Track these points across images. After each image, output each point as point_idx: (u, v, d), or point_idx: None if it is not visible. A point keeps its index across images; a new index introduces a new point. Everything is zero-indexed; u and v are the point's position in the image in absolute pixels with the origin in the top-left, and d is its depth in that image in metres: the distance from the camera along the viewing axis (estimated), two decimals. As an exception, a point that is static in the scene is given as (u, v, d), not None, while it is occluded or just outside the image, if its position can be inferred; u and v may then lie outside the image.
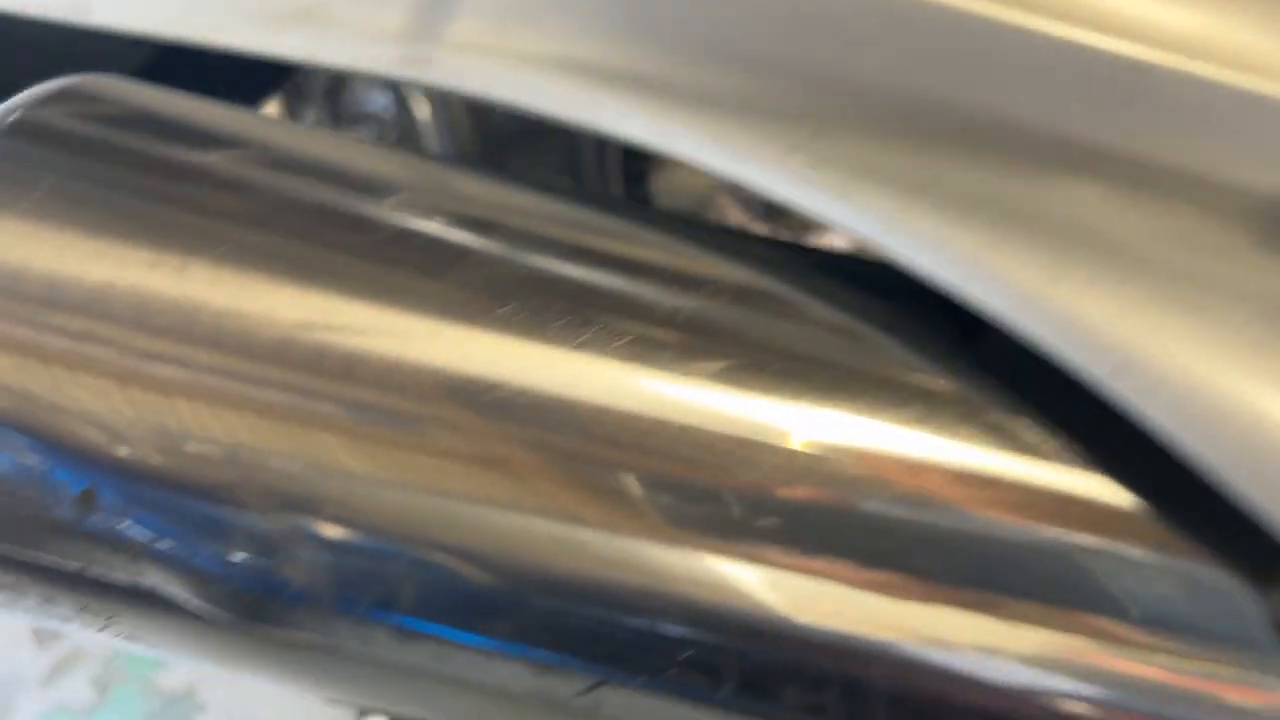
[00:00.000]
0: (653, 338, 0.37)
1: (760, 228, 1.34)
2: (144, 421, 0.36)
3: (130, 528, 0.37)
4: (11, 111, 0.41)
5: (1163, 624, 0.34)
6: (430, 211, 0.40)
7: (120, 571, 0.38)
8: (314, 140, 0.44)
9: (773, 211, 1.32)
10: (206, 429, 0.36)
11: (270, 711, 2.05)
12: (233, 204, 0.39)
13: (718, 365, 0.37)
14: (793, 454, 0.35)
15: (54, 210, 0.38)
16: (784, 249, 0.44)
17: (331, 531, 0.36)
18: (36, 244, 0.37)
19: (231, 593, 0.37)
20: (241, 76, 0.57)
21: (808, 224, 1.32)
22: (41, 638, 2.29)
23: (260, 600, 0.37)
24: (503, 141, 1.34)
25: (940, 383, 0.37)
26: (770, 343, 0.38)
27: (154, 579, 0.38)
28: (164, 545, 0.37)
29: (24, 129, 0.40)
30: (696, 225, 0.44)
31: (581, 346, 0.37)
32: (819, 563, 0.35)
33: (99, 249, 0.37)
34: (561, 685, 0.36)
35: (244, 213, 0.39)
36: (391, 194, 0.40)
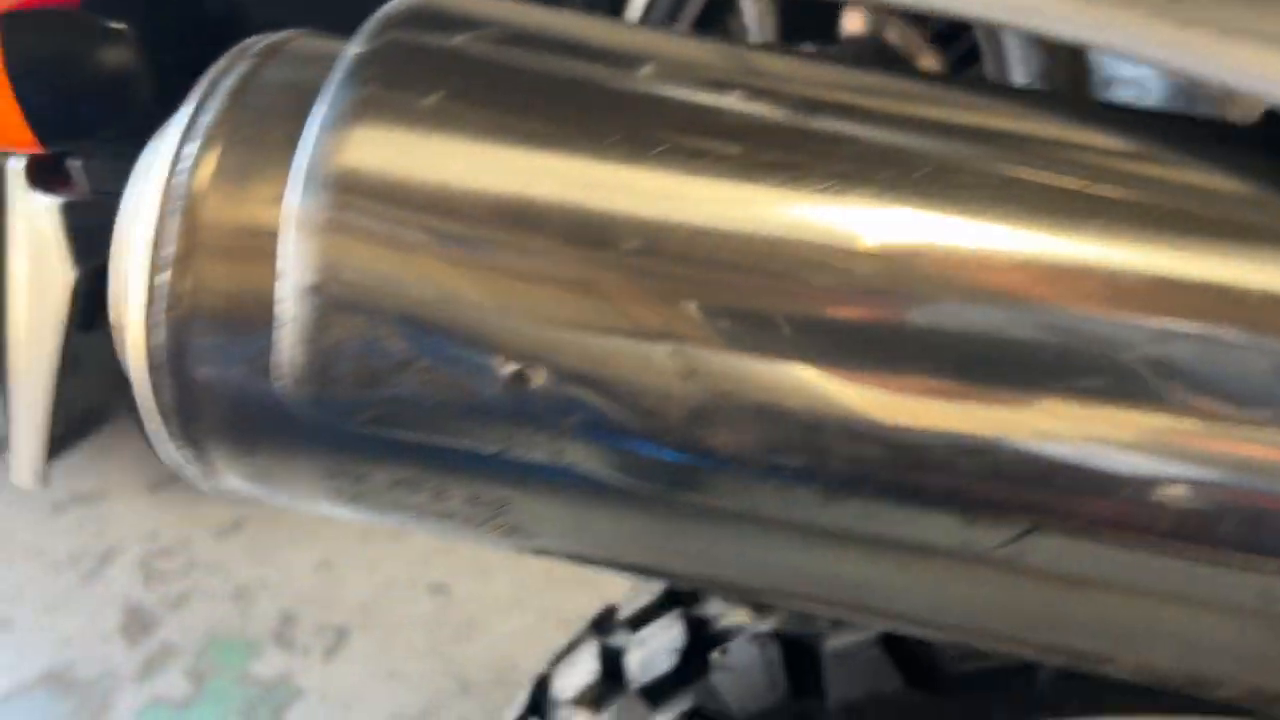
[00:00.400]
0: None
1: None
2: (570, 306, 0.37)
3: (561, 405, 0.38)
4: (377, 31, 0.42)
5: None
6: (770, 95, 0.41)
7: (539, 451, 0.39)
8: (645, 34, 0.44)
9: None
10: (629, 314, 0.37)
11: (366, 693, 2.07)
12: (607, 100, 0.40)
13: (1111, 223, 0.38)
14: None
15: (445, 121, 0.39)
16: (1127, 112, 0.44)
17: (764, 395, 0.37)
18: (436, 154, 0.38)
19: (657, 463, 0.38)
20: None
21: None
22: (130, 634, 2.31)
23: (685, 469, 0.38)
24: None
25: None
26: (1158, 202, 0.39)
27: (574, 456, 0.39)
28: (593, 421, 0.38)
29: (394, 46, 0.41)
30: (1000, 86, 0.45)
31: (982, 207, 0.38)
32: (1229, 406, 0.36)
33: (499, 156, 0.38)
34: (988, 535, 0.38)
35: (622, 110, 0.40)
36: (742, 80, 0.41)
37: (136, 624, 2.34)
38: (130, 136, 0.58)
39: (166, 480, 2.69)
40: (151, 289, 0.40)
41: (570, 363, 0.37)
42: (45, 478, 0.71)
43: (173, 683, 2.19)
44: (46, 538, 2.61)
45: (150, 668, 2.23)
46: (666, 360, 0.36)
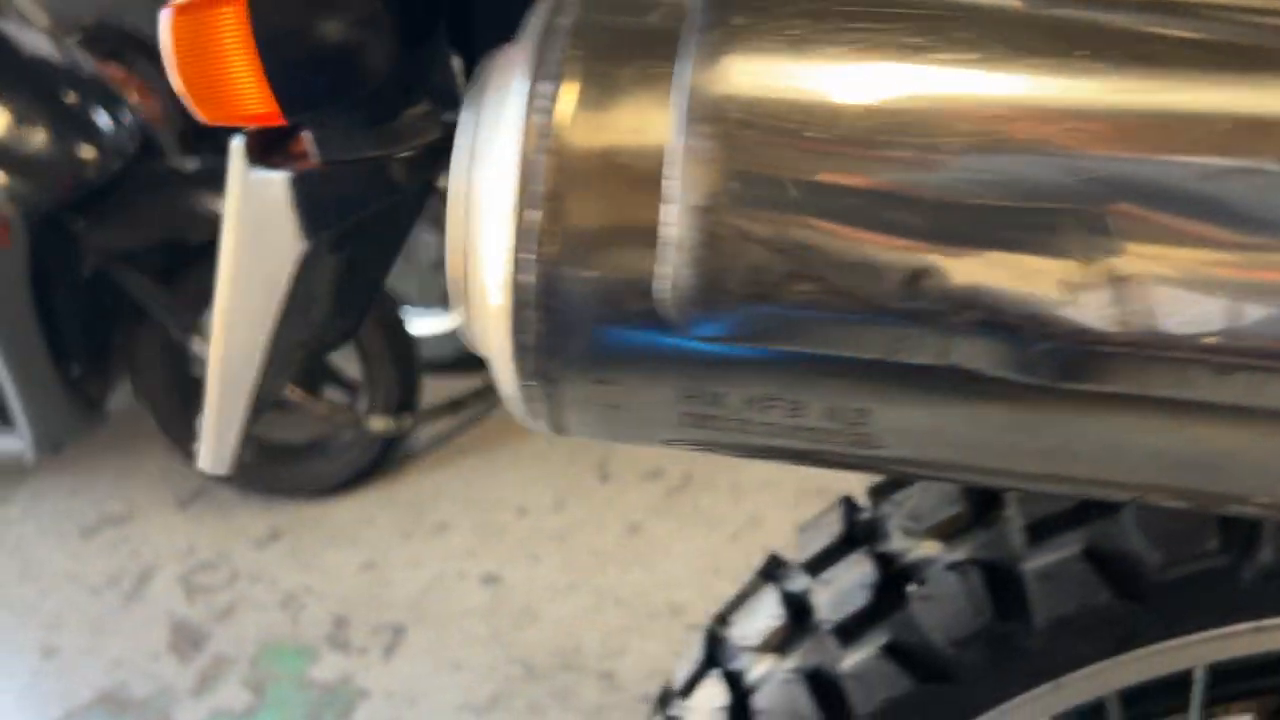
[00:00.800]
0: None
1: None
2: (963, 205, 0.39)
3: (956, 305, 0.39)
4: None
5: None
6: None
7: (924, 353, 0.40)
8: None
9: None
10: (1024, 207, 0.38)
11: (431, 686, 2.07)
12: (966, 8, 0.41)
13: None
14: None
15: (812, 41, 0.40)
16: None
17: (1172, 278, 0.38)
18: (809, 72, 0.40)
19: (1052, 353, 0.39)
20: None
21: None
22: (181, 650, 2.30)
23: (1080, 357, 0.39)
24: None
25: None
26: None
27: (960, 354, 0.40)
28: (988, 318, 0.39)
29: None
30: None
31: None
32: None
33: (873, 69, 0.39)
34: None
35: (987, 16, 0.41)
36: None
37: (185, 640, 2.33)
38: (366, 103, 0.58)
39: (195, 495, 2.68)
40: (520, 228, 0.41)
41: (968, 261, 0.38)
42: (236, 464, 0.72)
43: (232, 694, 2.18)
44: (80, 562, 2.59)
45: (206, 681, 2.22)
46: (1067, 250, 0.38)
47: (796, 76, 0.39)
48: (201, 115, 0.57)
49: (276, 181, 0.59)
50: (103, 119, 2.27)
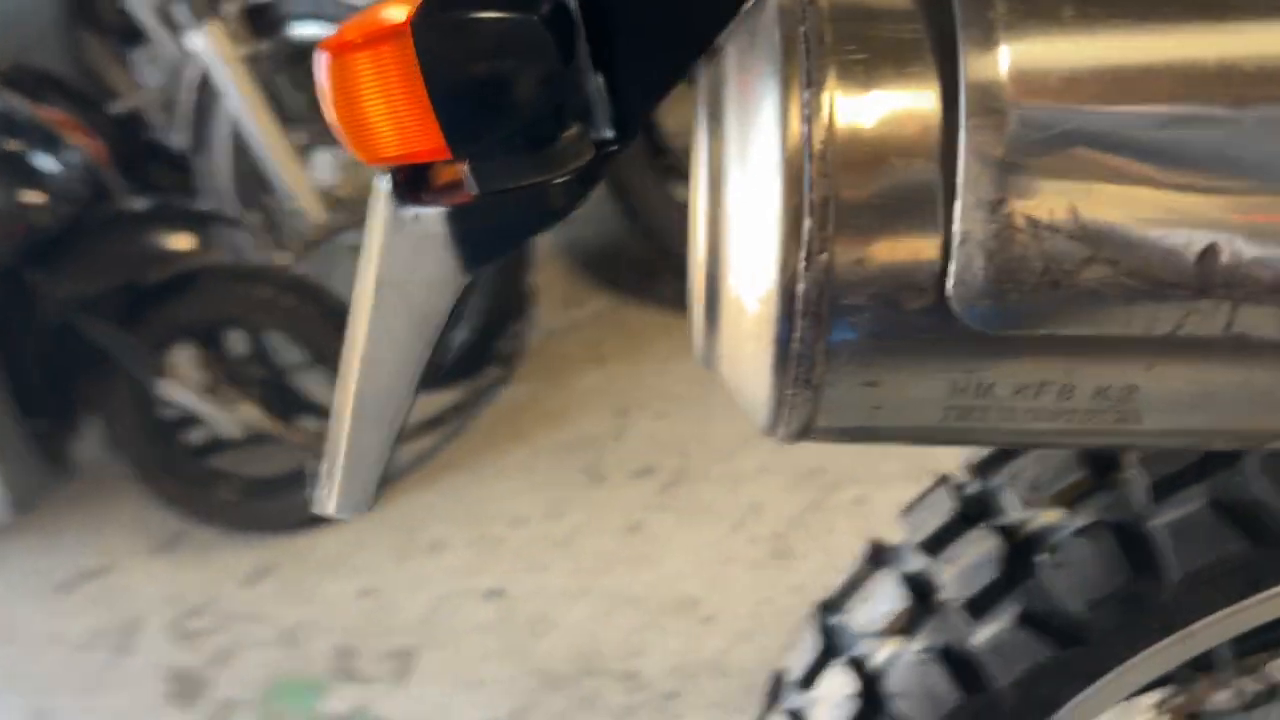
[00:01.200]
0: None
1: None
2: (1256, 172, 0.40)
3: (1247, 273, 0.40)
4: None
5: None
6: None
7: (1211, 324, 0.41)
8: None
9: None
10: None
11: (451, 707, 2.05)
12: None
13: None
14: None
15: (1084, 24, 0.41)
16: None
17: None
18: (1090, 57, 0.40)
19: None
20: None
21: None
22: (182, 699, 2.25)
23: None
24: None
25: None
26: None
27: (1245, 323, 0.41)
28: (1278, 283, 0.40)
29: None
30: None
31: None
32: None
33: (1158, 44, 0.40)
34: None
35: None
36: None
37: (186, 688, 2.27)
38: (524, 130, 0.57)
39: (174, 539, 2.61)
40: (792, 236, 0.41)
41: (1258, 231, 0.39)
42: (372, 504, 0.70)
43: (244, 738, 2.14)
44: (61, 620, 2.51)
45: (214, 729, 2.17)
46: None
47: (1071, 62, 0.40)
48: (360, 156, 0.56)
49: (433, 218, 0.58)
50: (49, 164, 2.20)
